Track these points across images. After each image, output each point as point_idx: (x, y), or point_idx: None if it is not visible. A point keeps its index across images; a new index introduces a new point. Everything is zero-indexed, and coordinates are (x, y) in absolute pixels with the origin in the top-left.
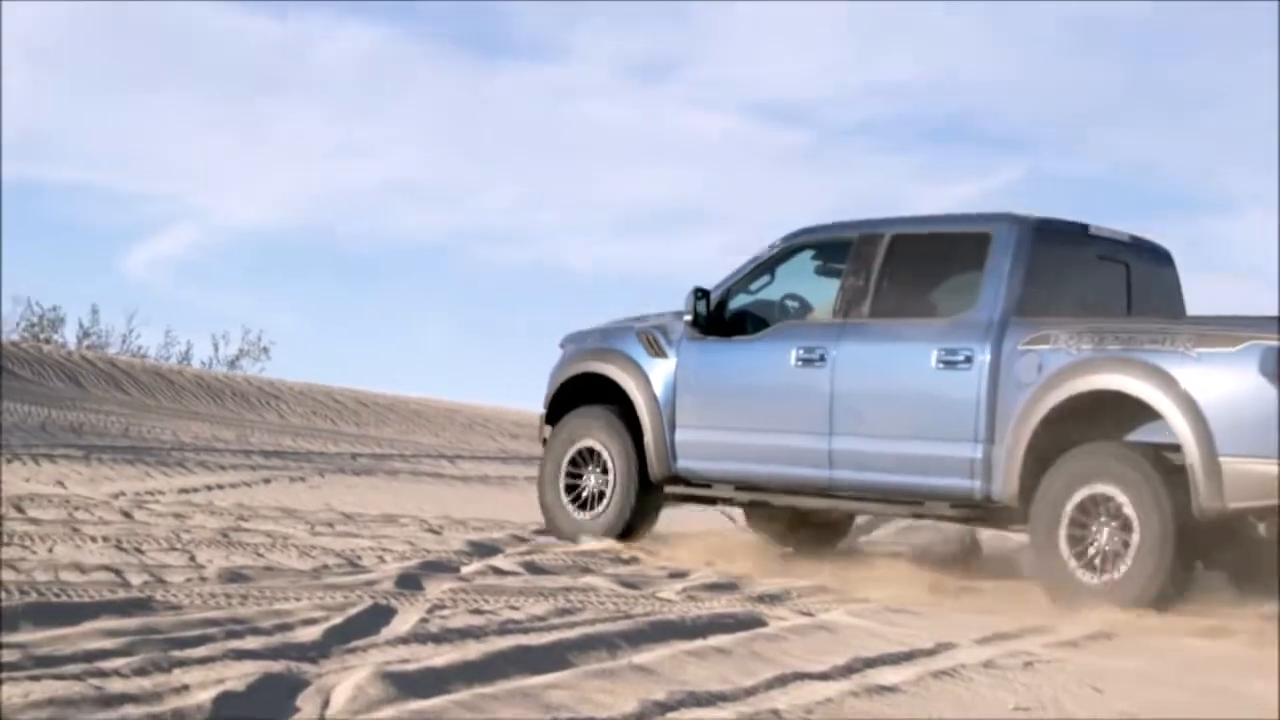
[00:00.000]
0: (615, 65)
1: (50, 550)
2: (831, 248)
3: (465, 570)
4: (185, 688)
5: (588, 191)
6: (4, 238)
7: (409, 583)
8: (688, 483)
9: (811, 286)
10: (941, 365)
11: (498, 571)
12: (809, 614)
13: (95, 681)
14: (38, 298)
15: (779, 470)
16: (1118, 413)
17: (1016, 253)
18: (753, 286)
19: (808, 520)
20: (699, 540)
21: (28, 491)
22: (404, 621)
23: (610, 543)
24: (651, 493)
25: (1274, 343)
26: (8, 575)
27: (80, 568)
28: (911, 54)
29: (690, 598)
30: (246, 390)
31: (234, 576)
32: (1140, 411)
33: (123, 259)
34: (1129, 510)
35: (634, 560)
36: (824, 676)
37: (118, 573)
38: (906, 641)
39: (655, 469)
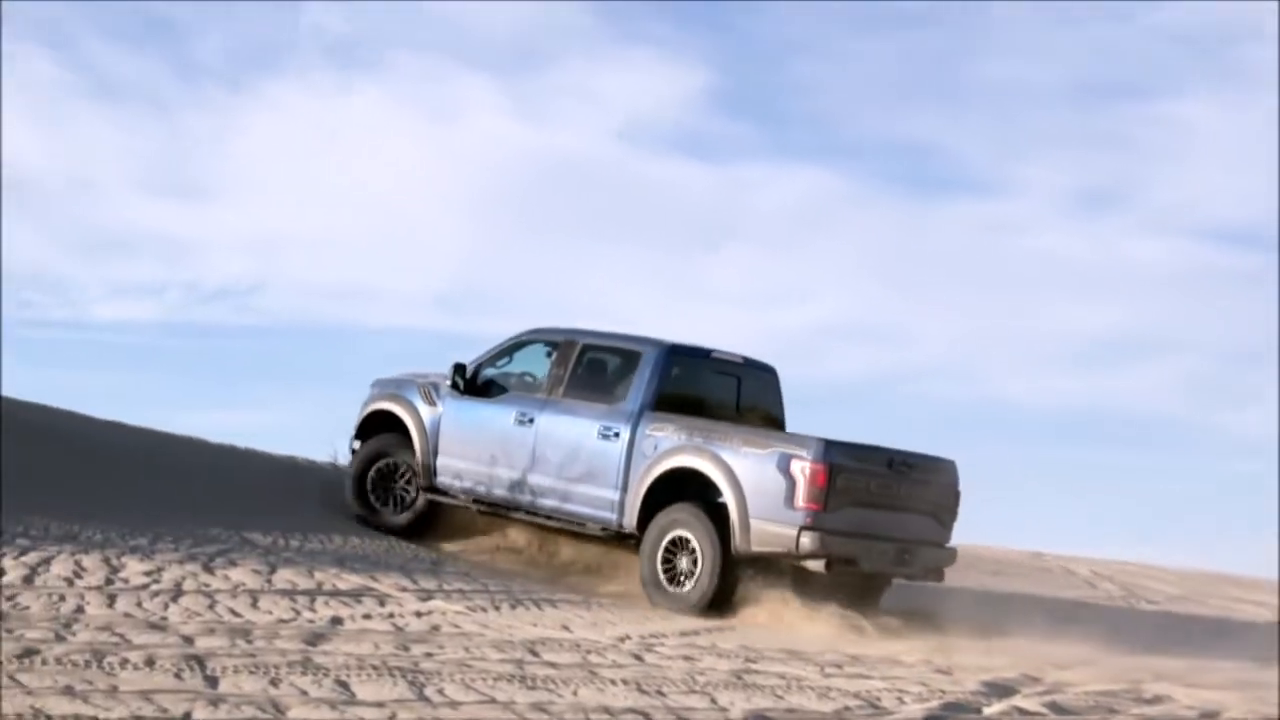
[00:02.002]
0: (1061, 196)
1: (575, 693)
2: (548, 344)
3: (988, 711)
4: None
5: (1033, 326)
6: None
7: None
8: (443, 493)
9: (535, 367)
10: (600, 436)
11: (1022, 712)
12: None
13: None
14: None
15: (500, 492)
16: (696, 482)
17: (654, 367)
18: (498, 363)
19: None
20: None
21: (538, 636)
22: None
23: (1122, 684)
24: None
25: (788, 450)
26: (539, 717)
27: (608, 710)
28: None
29: None
30: None
31: (759, 719)
32: (709, 483)
33: None
34: (696, 547)
35: (1157, 700)
36: None
37: (645, 715)
38: None
39: (421, 481)
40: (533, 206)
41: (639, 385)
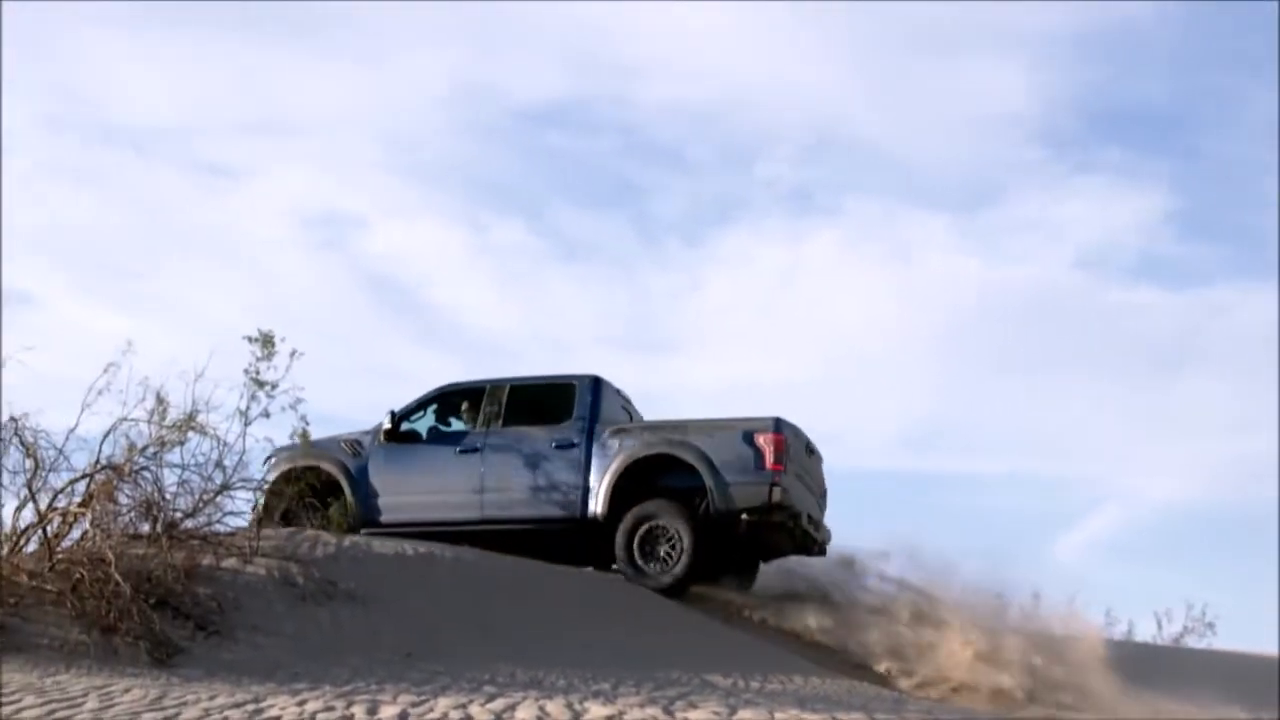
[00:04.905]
0: None
1: None
2: (467, 393)
3: None
4: None
5: None
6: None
7: None
8: (380, 525)
9: (454, 415)
10: (556, 448)
11: None
12: None
13: None
14: (981, 585)
15: (448, 515)
16: (667, 465)
17: (592, 393)
18: (412, 416)
19: None
20: None
21: None
22: None
23: None
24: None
25: (749, 427)
26: None
27: None
28: None
29: None
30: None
31: None
32: (680, 465)
33: (1054, 542)
34: (676, 535)
35: None
36: None
37: None
38: None
39: (357, 522)
40: (994, 341)
41: (582, 405)
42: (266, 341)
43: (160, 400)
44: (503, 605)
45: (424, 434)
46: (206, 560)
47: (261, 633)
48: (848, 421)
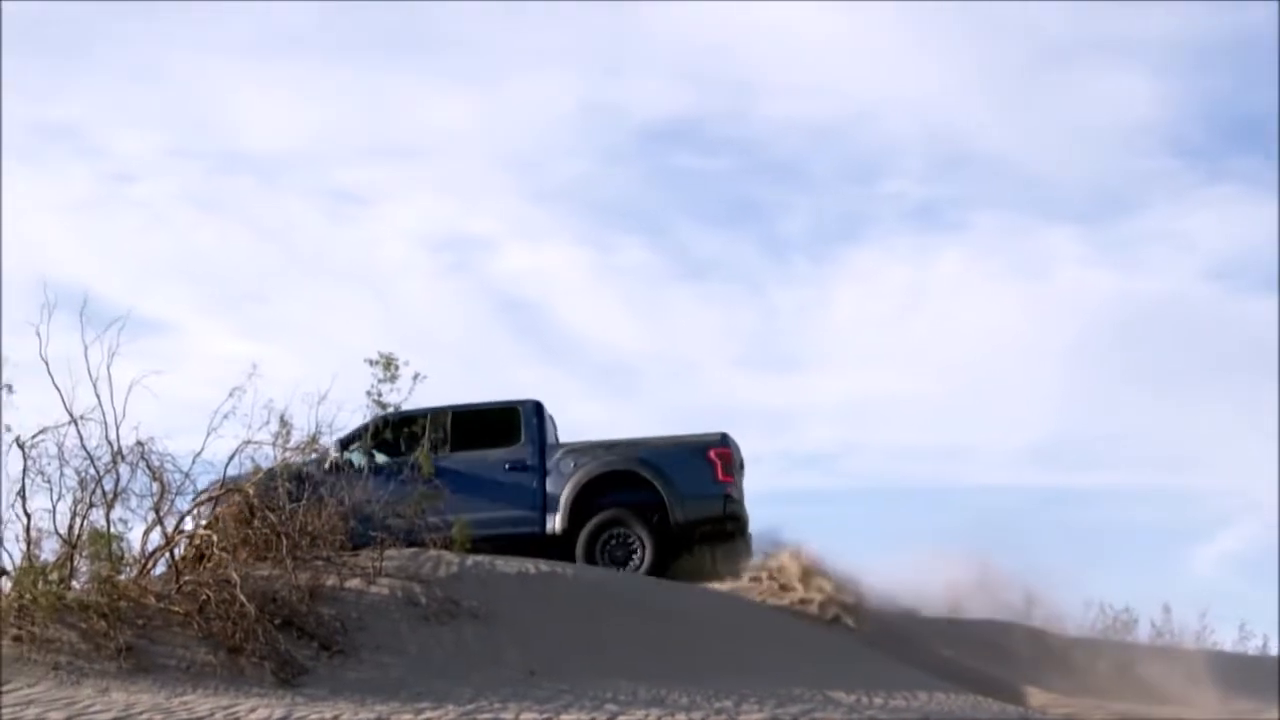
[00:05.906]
0: None
1: None
2: (408, 421)
3: None
4: None
5: None
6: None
7: None
8: None
9: (393, 441)
10: (510, 469)
11: None
12: None
13: None
14: (1109, 600)
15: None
16: (622, 482)
17: (536, 416)
18: (351, 446)
19: None
20: None
21: None
22: None
23: None
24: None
25: (701, 442)
26: None
27: None
28: None
29: None
30: None
31: None
32: (636, 481)
33: (1188, 556)
34: (637, 537)
35: None
36: None
37: None
38: None
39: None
40: (1125, 354)
41: (529, 429)
42: (388, 364)
43: (284, 423)
44: (623, 622)
45: (357, 463)
46: (330, 581)
47: (385, 652)
48: (976, 436)
